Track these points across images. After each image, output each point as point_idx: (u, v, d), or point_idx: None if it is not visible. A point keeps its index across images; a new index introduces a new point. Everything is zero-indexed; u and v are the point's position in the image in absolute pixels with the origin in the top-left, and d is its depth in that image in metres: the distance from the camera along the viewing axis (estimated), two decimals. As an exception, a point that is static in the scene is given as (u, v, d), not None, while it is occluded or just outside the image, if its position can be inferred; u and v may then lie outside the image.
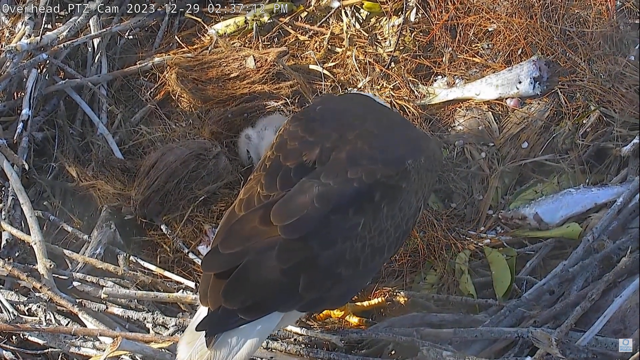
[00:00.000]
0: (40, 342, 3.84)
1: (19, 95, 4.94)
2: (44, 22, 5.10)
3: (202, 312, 3.16)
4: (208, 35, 5.22)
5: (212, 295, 3.06)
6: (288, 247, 3.07)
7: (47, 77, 4.94)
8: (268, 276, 3.04)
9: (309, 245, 3.09)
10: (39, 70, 4.89)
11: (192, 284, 4.02)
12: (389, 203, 3.28)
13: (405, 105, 4.75)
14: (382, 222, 3.26)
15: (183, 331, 3.70)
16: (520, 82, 4.70)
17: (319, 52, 5.08)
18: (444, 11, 4.97)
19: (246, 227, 3.15)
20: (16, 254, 4.18)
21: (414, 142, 3.58)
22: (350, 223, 3.17)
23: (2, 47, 4.89)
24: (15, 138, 4.59)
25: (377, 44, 5.08)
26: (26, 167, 4.47)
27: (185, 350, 3.12)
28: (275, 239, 3.08)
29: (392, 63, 4.94)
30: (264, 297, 3.05)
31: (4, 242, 4.20)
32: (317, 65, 5.00)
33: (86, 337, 3.77)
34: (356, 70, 4.95)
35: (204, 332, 3.04)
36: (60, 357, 3.88)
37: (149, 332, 3.80)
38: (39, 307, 3.88)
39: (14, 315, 3.84)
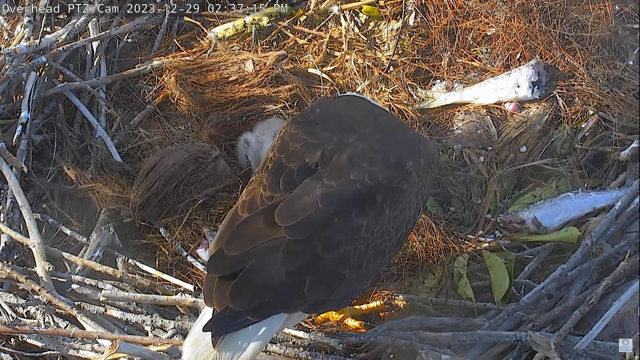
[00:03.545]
0: (39, 344, 3.83)
1: (18, 98, 4.94)
2: (43, 25, 5.10)
3: (207, 312, 3.16)
4: (207, 38, 5.21)
5: (217, 297, 3.06)
6: (293, 249, 3.07)
7: (46, 80, 4.94)
8: (274, 278, 3.05)
9: (314, 247, 3.09)
10: (38, 73, 4.89)
11: (190, 287, 4.03)
12: (391, 205, 3.29)
13: (404, 109, 4.75)
14: (384, 224, 3.28)
15: (182, 334, 3.72)
16: (518, 86, 4.71)
17: (318, 55, 5.08)
18: (442, 15, 4.98)
19: (250, 229, 3.15)
20: (15, 257, 4.18)
21: (413, 144, 3.59)
22: (354, 225, 3.18)
23: (1, 49, 4.87)
24: (14, 141, 4.58)
25: (375, 47, 5.08)
26: (25, 169, 4.46)
27: (190, 351, 3.12)
28: (280, 240, 3.08)
29: (391, 67, 4.95)
30: (270, 298, 3.06)
31: (2, 244, 4.18)
32: (316, 69, 5.00)
33: (85, 339, 3.76)
34: (355, 74, 4.95)
35: (211, 332, 3.05)
36: (58, 359, 3.88)
37: (147, 335, 3.80)
38: (38, 309, 3.87)
39: (13, 317, 3.84)
